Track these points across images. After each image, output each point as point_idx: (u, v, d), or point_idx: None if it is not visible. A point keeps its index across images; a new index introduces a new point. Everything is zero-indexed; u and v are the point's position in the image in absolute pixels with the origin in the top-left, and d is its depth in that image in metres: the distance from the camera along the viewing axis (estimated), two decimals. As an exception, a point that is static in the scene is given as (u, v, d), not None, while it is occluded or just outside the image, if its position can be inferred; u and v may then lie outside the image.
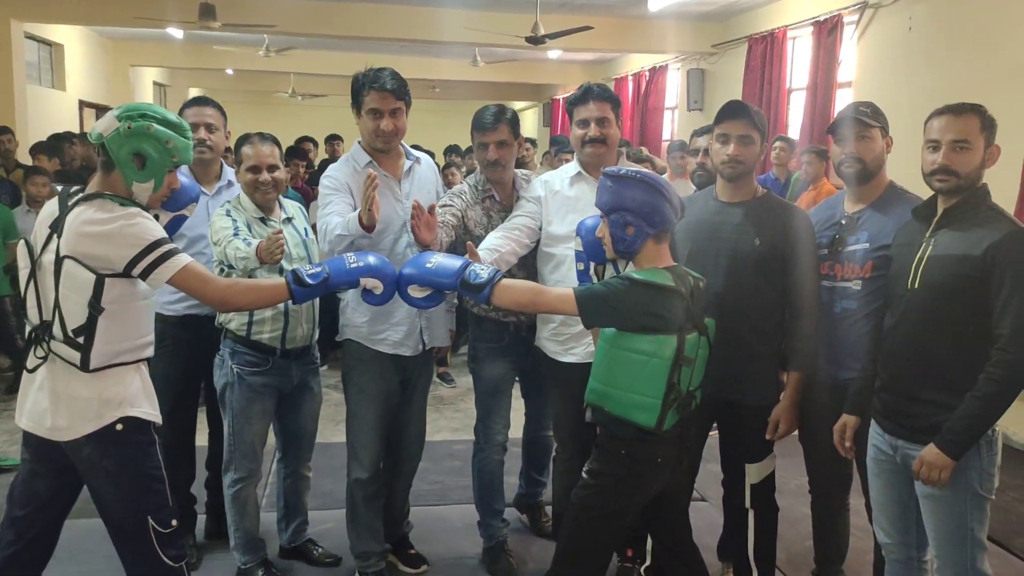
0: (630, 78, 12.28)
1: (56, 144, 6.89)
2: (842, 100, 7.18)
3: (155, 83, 15.71)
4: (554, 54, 11.55)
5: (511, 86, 16.08)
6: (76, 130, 10.47)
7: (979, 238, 2.29)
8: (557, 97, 16.54)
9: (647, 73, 11.50)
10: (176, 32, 10.44)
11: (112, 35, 12.46)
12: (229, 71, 15.48)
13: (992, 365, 2.24)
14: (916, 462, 2.33)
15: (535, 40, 7.57)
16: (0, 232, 5.42)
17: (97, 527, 3.29)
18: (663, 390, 2.29)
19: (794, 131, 7.85)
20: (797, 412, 2.83)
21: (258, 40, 11.34)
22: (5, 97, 8.47)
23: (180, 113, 3.06)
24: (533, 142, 8.72)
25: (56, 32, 10.60)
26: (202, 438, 3.51)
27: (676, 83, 11.08)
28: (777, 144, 6.68)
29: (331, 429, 4.62)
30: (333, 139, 9.10)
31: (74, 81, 11.22)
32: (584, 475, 2.44)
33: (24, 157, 7.06)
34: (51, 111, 10.20)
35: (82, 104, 11.53)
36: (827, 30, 7.16)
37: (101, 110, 11.91)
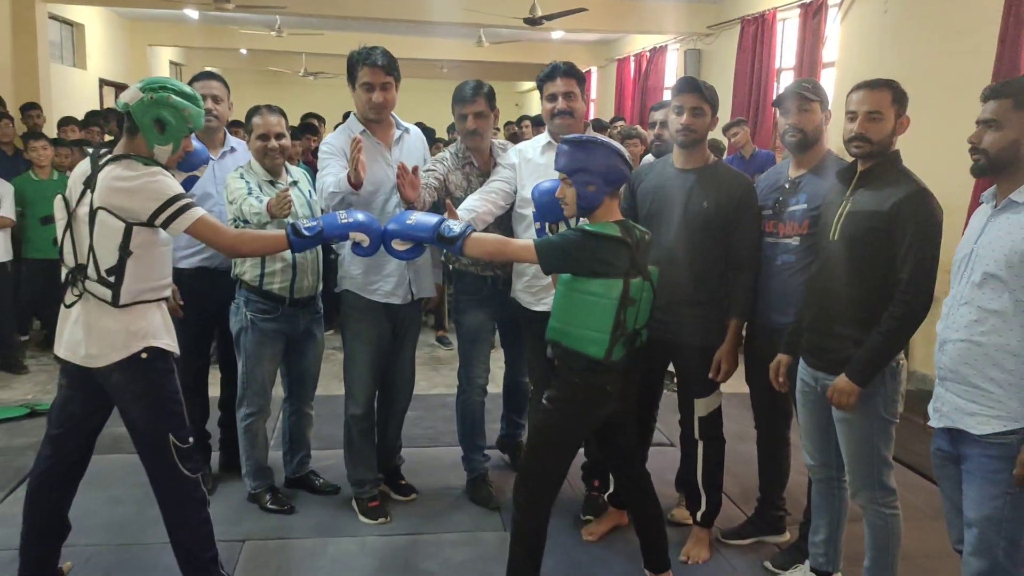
0: (632, 58, 12.55)
1: (90, 119, 7.28)
2: (827, 79, 7.47)
3: (171, 62, 16.09)
4: (557, 35, 11.81)
5: (516, 66, 16.35)
6: (97, 106, 10.88)
7: (887, 196, 2.63)
8: (563, 77, 16.78)
9: (647, 53, 11.77)
10: (192, 13, 10.79)
11: (130, 15, 12.83)
12: (243, 51, 15.83)
13: (894, 305, 2.59)
14: (829, 389, 2.69)
15: (533, 21, 7.87)
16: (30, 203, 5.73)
17: (123, 461, 3.79)
18: (611, 326, 2.65)
19: (783, 109, 8.12)
20: (736, 354, 3.19)
21: (271, 21, 11.67)
22: (30, 75, 8.85)
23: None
24: (538, 120, 9.01)
25: (77, 12, 10.96)
26: (214, 390, 3.92)
27: (675, 63, 11.35)
28: (734, 128, 6.91)
29: (334, 384, 5.01)
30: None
31: (94, 60, 11.60)
32: (544, 400, 2.82)
33: (50, 132, 7.47)
34: (73, 89, 10.59)
35: (102, 82, 11.92)
36: (812, 12, 7.45)
37: (120, 88, 12.30)
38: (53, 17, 10.10)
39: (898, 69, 6.31)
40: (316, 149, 7.38)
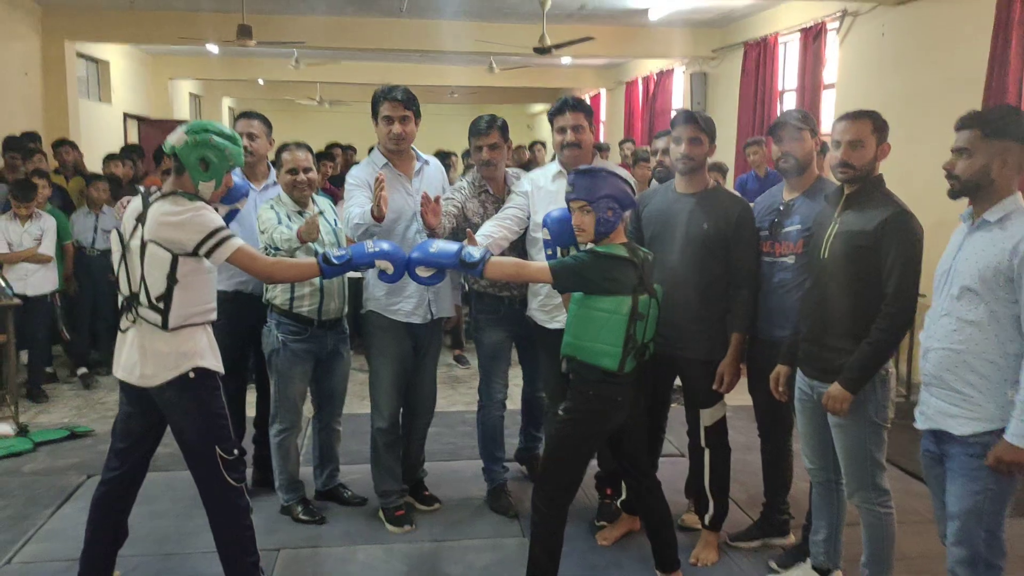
0: (640, 81, 12.83)
1: (128, 155, 7.61)
2: (827, 100, 7.70)
3: (191, 94, 16.52)
4: (566, 60, 12.12)
5: (527, 90, 16.68)
6: (121, 140, 11.24)
7: (872, 217, 2.84)
8: (573, 100, 17.10)
9: (655, 76, 12.04)
10: (213, 48, 11.15)
11: (153, 51, 13.24)
12: (260, 81, 16.24)
13: (880, 317, 2.80)
14: (824, 397, 2.89)
15: (542, 50, 8.15)
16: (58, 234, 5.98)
17: (163, 479, 4.03)
18: (623, 339, 2.88)
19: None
20: (738, 366, 3.40)
21: (288, 53, 12.03)
22: (60, 111, 9.23)
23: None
24: (544, 144, 9.30)
25: (103, 50, 11.36)
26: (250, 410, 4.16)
27: (681, 85, 11.61)
28: (753, 147, 7.04)
29: (359, 404, 5.24)
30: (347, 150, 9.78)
31: (119, 95, 11.98)
32: (560, 412, 3.04)
33: (91, 166, 7.82)
34: (99, 123, 10.95)
35: (126, 116, 12.29)
36: (813, 36, 7.68)
37: (142, 121, 12.68)
38: (80, 55, 10.48)
39: (895, 91, 6.55)
40: (332, 176, 7.77)
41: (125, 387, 2.95)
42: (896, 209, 2.84)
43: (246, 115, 3.95)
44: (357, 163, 4.50)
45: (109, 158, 7.35)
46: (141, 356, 2.85)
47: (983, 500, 2.45)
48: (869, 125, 2.91)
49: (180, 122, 4.73)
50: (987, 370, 2.45)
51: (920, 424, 2.65)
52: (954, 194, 2.57)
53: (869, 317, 2.82)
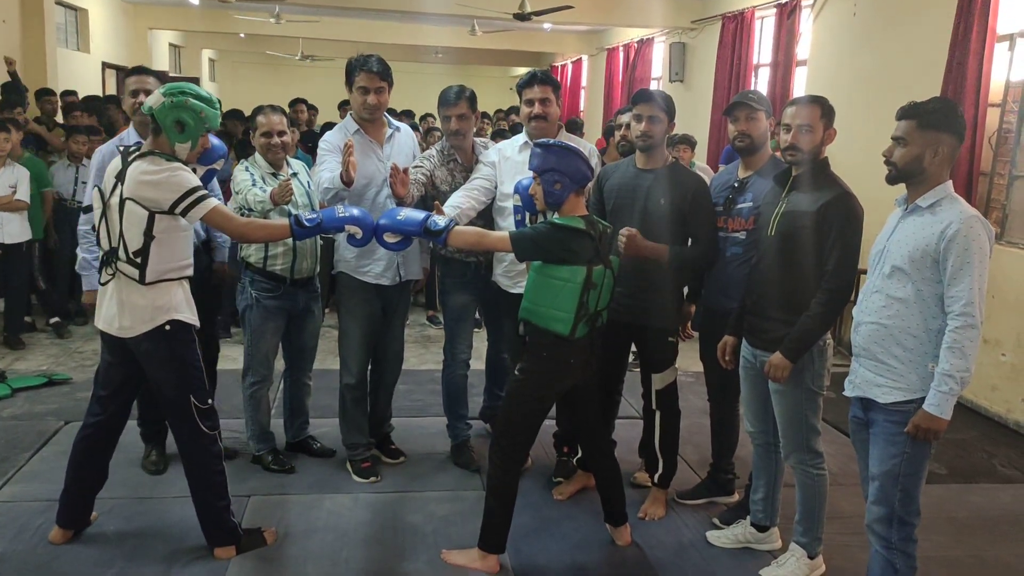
0: (621, 48, 12.88)
1: (96, 104, 7.59)
2: (800, 77, 7.84)
3: (170, 44, 16.35)
4: (547, 26, 12.14)
5: (509, 53, 16.67)
6: (99, 90, 11.18)
7: (816, 198, 3.02)
8: (555, 64, 17.13)
9: (635, 44, 12.10)
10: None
11: (132, 0, 13.09)
12: (241, 35, 16.09)
13: (820, 292, 2.99)
14: (766, 365, 3.09)
15: (522, 16, 8.21)
16: (36, 181, 6.02)
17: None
18: (575, 307, 3.04)
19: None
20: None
21: (270, 7, 11.96)
22: (39, 60, 9.16)
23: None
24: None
25: (82, -3, 11.27)
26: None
27: (661, 54, 11.69)
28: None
29: (330, 360, 5.38)
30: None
31: (97, 43, 11.87)
32: (516, 372, 3.22)
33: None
34: (77, 72, 10.86)
35: (104, 65, 12.20)
36: (788, 12, 7.80)
37: (121, 71, 12.59)
38: (59, 2, 10.38)
39: (864, 68, 6.71)
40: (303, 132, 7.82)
41: (106, 337, 3.10)
42: (839, 191, 3.01)
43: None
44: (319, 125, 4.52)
45: (71, 108, 7.35)
46: (119, 308, 2.99)
47: (900, 463, 2.66)
48: (818, 111, 3.07)
49: (160, 73, 4.77)
50: (911, 344, 2.65)
51: (849, 392, 2.86)
52: (891, 180, 2.74)
53: (810, 292, 3.01)
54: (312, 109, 9.11)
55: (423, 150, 4.13)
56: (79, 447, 3.21)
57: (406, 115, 9.80)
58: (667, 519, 3.72)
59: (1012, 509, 4.07)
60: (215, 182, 3.78)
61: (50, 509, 3.35)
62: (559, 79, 16.39)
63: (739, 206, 3.50)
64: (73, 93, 8.13)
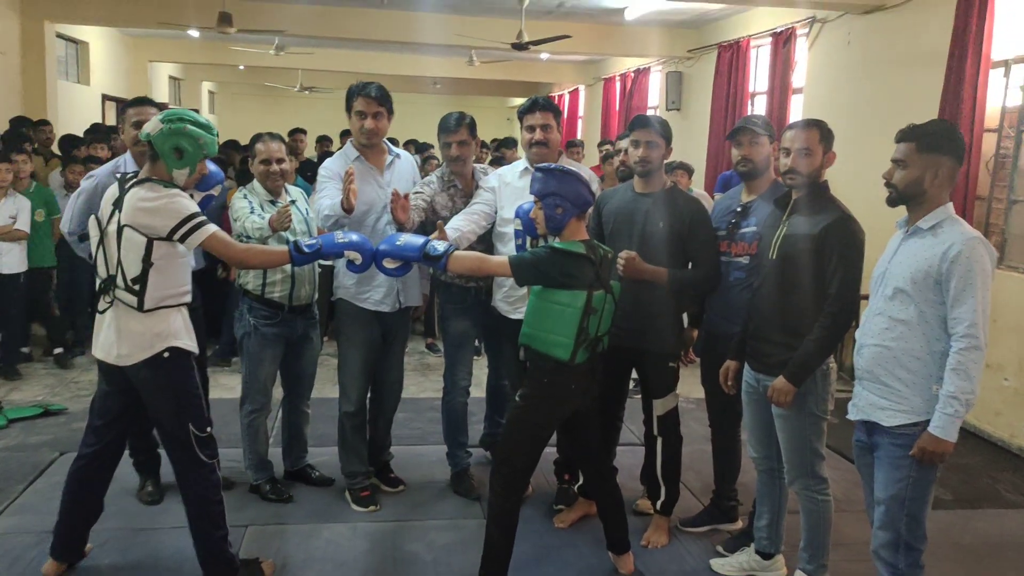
0: (617, 78, 12.98)
1: (105, 135, 7.65)
2: (796, 104, 7.89)
3: (170, 76, 16.47)
4: (545, 55, 12.24)
5: (507, 83, 16.78)
6: (99, 120, 11.22)
7: (817, 221, 3.01)
8: (552, 95, 17.25)
9: (632, 74, 12.19)
10: (193, 32, 11.15)
11: (132, 33, 13.21)
12: (241, 67, 16.22)
13: (823, 316, 2.97)
14: (769, 389, 3.06)
15: (520, 46, 8.27)
16: (45, 208, 6.08)
17: None
18: (575, 332, 3.02)
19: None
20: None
21: (269, 40, 12.05)
22: (39, 92, 9.23)
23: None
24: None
25: (82, 31, 11.33)
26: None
27: (658, 84, 11.76)
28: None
29: (329, 388, 5.35)
30: (323, 140, 9.82)
31: (97, 76, 11.96)
32: (517, 398, 3.19)
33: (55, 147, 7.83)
34: (77, 104, 10.94)
35: (104, 97, 12.27)
36: (783, 41, 7.86)
37: (121, 103, 12.66)
38: (60, 36, 10.46)
39: (859, 96, 6.75)
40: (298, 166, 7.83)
41: (103, 366, 3.07)
42: (839, 215, 3.00)
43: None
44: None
45: (71, 142, 7.39)
46: (117, 336, 2.96)
47: (906, 487, 2.63)
48: (817, 134, 3.07)
49: (160, 105, 4.78)
50: (914, 366, 2.63)
51: (852, 415, 2.83)
52: (891, 202, 2.74)
53: (812, 315, 2.99)
54: (300, 131, 9.01)
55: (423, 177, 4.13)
56: (73, 478, 3.16)
57: (414, 144, 9.80)
58: (670, 547, 3.67)
59: (1017, 535, 4.02)
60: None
61: (44, 541, 3.29)
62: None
63: (743, 231, 3.49)
64: (47, 123, 8.12)
